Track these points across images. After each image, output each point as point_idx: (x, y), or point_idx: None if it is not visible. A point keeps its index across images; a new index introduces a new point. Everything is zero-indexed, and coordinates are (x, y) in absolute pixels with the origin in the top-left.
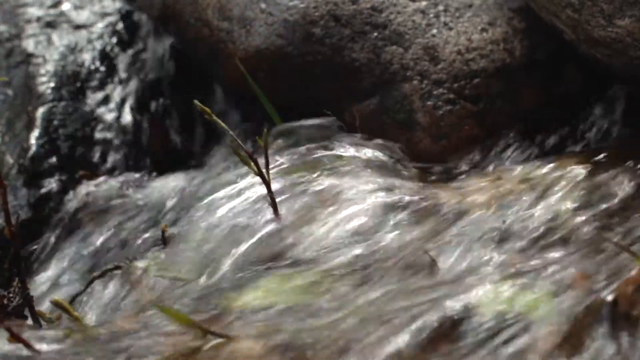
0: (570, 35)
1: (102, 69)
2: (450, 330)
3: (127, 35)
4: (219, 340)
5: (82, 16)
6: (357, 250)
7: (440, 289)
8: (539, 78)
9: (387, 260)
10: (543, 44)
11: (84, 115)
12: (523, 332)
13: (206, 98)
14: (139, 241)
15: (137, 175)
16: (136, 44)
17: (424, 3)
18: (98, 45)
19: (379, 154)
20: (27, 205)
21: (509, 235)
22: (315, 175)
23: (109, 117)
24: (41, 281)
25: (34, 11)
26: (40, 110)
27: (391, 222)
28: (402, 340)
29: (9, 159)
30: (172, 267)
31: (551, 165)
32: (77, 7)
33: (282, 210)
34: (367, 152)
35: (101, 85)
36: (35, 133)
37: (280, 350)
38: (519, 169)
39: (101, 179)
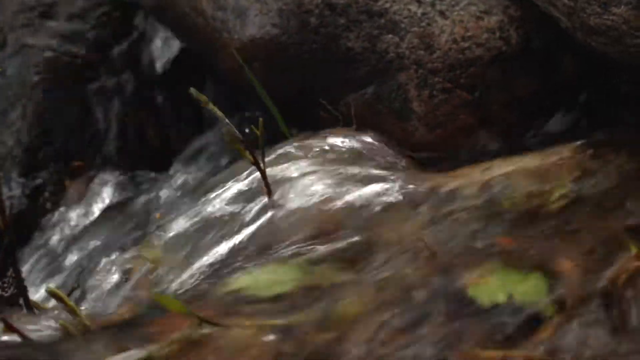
0: (566, 23)
1: (97, 59)
2: (445, 317)
3: (122, 26)
4: (214, 328)
5: (77, 6)
6: (353, 238)
7: (434, 275)
8: (535, 66)
9: (383, 247)
10: (539, 32)
11: (78, 106)
12: (517, 318)
13: (202, 88)
14: (134, 230)
15: (132, 165)
16: (131, 34)
17: None
18: (93, 35)
19: (375, 143)
20: (22, 195)
21: (502, 223)
22: (310, 163)
23: (104, 108)
24: (36, 271)
25: (29, 1)
26: (35, 101)
27: (386, 210)
28: (396, 329)
29: (3, 150)
30: (167, 256)
31: (546, 153)
32: None
33: (277, 198)
34: (363, 141)
35: (96, 76)
36: (30, 124)
37: (275, 337)
38: (514, 158)
39: (95, 169)
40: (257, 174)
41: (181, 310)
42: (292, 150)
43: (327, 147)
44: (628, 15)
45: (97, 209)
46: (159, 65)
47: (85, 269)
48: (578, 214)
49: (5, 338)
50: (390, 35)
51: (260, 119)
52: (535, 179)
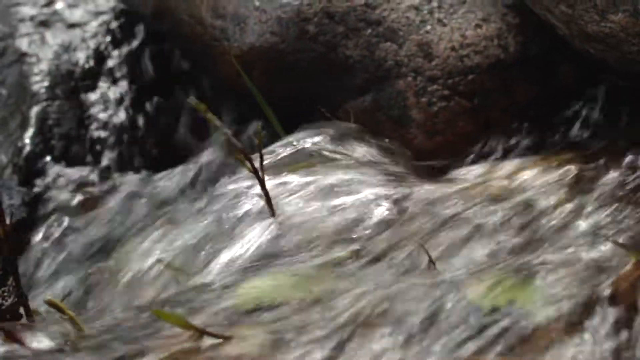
0: (563, 31)
1: (96, 67)
2: (445, 324)
3: (121, 34)
4: (216, 340)
5: (76, 15)
6: (352, 247)
7: (434, 283)
8: (533, 74)
9: (383, 255)
10: (537, 40)
11: (78, 114)
12: (520, 327)
13: (200, 96)
14: (134, 238)
15: (132, 173)
16: (130, 42)
17: None
18: (92, 43)
19: (373, 150)
20: (22, 204)
21: (503, 230)
22: (309, 171)
23: (104, 116)
24: (36, 280)
25: (27, 10)
26: (35, 110)
27: (385, 218)
28: (399, 336)
29: (3, 159)
30: (167, 264)
31: (545, 160)
32: (70, 6)
33: (277, 206)
34: (361, 148)
35: (95, 84)
36: (30, 132)
37: (277, 349)
38: (513, 165)
39: (96, 177)
40: (256, 181)
41: (181, 324)
42: (292, 156)
43: (326, 153)
44: (626, 23)
45: (96, 217)
46: (158, 74)
47: (85, 277)
48: (578, 220)
49: (5, 347)
50: (388, 43)
51: (259, 127)
52: (535, 186)
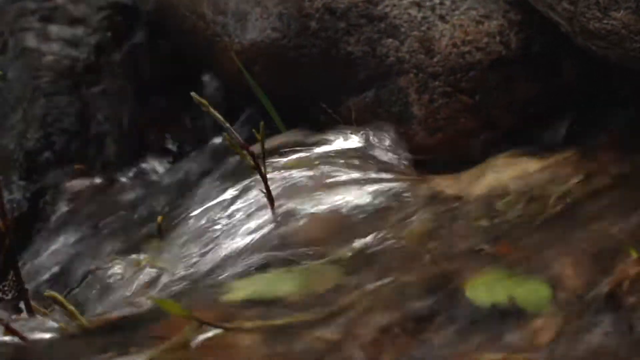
0: (566, 28)
1: (98, 62)
2: (445, 321)
3: (123, 29)
4: (215, 331)
5: (78, 10)
6: (353, 243)
7: (434, 279)
8: (535, 70)
9: (384, 251)
10: (539, 37)
11: (79, 110)
12: (519, 324)
13: (202, 91)
14: (136, 233)
15: (132, 168)
16: (132, 37)
17: None
18: (94, 39)
19: (375, 147)
20: (23, 199)
21: (503, 227)
22: (310, 167)
23: (105, 111)
24: (36, 274)
25: (29, 5)
26: (36, 105)
27: (386, 215)
28: (397, 332)
29: (4, 153)
30: (168, 259)
31: (546, 157)
32: (72, 1)
33: (278, 202)
34: (363, 145)
35: (97, 80)
36: (31, 127)
37: (275, 342)
38: (514, 161)
39: (96, 172)
40: (258, 177)
41: (181, 312)
42: (293, 152)
43: (328, 150)
44: (628, 20)
45: (98, 212)
46: (159, 69)
47: (86, 272)
48: (577, 217)
49: (5, 340)
50: (390, 39)
51: (262, 123)
52: (535, 183)
